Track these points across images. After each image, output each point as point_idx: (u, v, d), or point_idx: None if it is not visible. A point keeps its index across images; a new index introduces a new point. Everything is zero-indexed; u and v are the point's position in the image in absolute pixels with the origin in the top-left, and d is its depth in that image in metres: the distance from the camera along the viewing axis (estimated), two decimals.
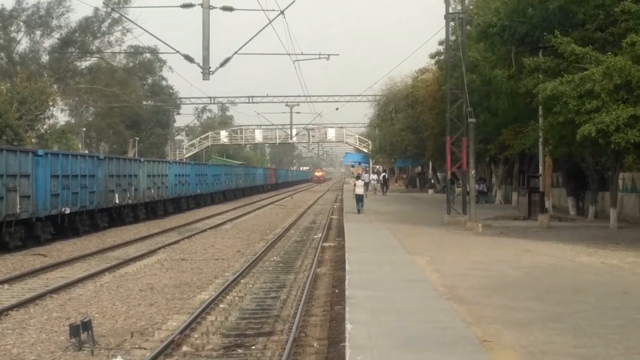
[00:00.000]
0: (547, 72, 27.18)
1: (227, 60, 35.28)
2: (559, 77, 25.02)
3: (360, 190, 43.89)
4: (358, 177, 57.61)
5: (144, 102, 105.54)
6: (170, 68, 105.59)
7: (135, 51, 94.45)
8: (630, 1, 24.10)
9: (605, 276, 18.15)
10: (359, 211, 42.30)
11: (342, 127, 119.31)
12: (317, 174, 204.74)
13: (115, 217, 39.86)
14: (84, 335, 13.34)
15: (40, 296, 18.13)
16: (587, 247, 24.34)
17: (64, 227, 32.78)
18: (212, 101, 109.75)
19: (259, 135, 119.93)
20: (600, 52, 24.52)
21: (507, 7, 29.50)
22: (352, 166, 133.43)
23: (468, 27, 36.97)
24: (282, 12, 36.31)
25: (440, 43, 52.25)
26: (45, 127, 68.74)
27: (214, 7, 34.15)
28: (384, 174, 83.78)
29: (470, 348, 10.78)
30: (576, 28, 26.57)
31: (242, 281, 20.48)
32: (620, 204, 35.27)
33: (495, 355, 10.37)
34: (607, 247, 24.31)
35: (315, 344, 13.30)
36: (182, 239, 32.23)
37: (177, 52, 35.63)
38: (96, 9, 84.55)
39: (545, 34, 26.52)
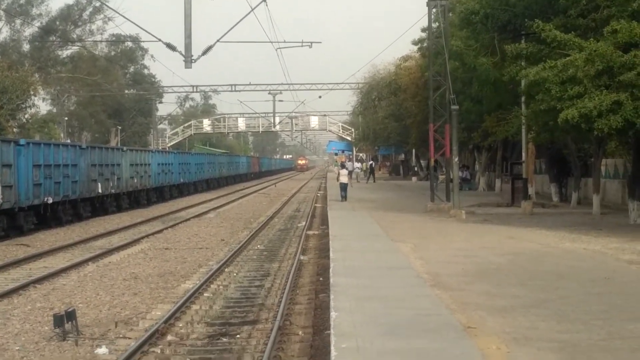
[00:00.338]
0: (530, 59, 27.20)
1: (209, 49, 35.19)
2: (542, 63, 25.06)
3: (344, 179, 43.67)
4: (342, 166, 57.72)
5: (126, 91, 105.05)
6: (152, 56, 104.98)
7: (117, 40, 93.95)
8: None
9: (588, 262, 18.23)
10: (342, 199, 42.36)
11: (325, 115, 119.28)
12: (300, 162, 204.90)
13: (98, 206, 39.72)
14: (68, 325, 13.31)
15: (24, 286, 18.07)
16: (570, 233, 24.44)
17: (46, 216, 32.64)
18: (195, 90, 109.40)
19: (242, 124, 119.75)
20: (582, 39, 24.55)
21: None
22: (336, 154, 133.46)
23: (450, 15, 36.94)
24: (264, 0, 36.24)
25: (423, 30, 52.28)
26: (26, 116, 68.31)
27: None
28: (371, 162, 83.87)
29: (454, 335, 10.82)
30: (558, 15, 26.58)
31: (226, 270, 20.47)
32: (602, 190, 35.43)
33: (480, 342, 10.40)
34: (590, 233, 24.41)
35: (300, 332, 13.32)
36: (166, 228, 32.18)
37: (159, 40, 35.50)
38: None
39: (527, 20, 26.52)
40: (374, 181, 71.47)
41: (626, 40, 23.12)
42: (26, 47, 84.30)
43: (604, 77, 23.46)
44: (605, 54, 22.95)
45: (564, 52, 24.54)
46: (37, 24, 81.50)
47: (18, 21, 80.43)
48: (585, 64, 23.25)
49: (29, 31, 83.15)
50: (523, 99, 31.51)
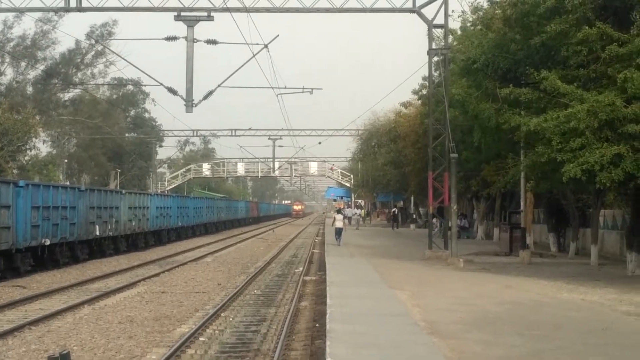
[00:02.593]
0: (529, 108, 27.28)
1: (210, 93, 35.38)
2: (541, 113, 25.14)
3: (339, 223, 45.62)
4: (339, 211, 57.94)
5: (127, 134, 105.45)
6: (153, 100, 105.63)
7: (119, 83, 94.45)
8: (616, 45, 24.17)
9: (585, 313, 18.17)
10: (338, 243, 43.68)
11: (324, 161, 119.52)
12: (295, 207, 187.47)
13: (96, 249, 39.62)
14: None
15: (19, 328, 17.97)
16: (567, 283, 24.37)
17: (43, 258, 32.53)
18: (195, 134, 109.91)
19: (241, 168, 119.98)
20: (582, 90, 24.64)
21: (490, 42, 29.66)
22: (335, 200, 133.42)
23: (451, 65, 37.15)
24: (266, 46, 36.50)
25: (424, 79, 52.60)
26: (26, 158, 68.52)
27: (198, 40, 34.32)
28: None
29: None
30: (558, 65, 26.71)
31: (222, 314, 20.38)
32: (601, 241, 35.40)
33: None
34: (587, 283, 24.35)
35: None
36: (163, 272, 32.08)
37: (161, 84, 35.71)
38: (79, 41, 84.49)
39: (528, 68, 26.65)
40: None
41: (635, 90, 23.13)
42: (29, 89, 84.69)
43: (605, 129, 23.52)
44: (609, 105, 23.02)
45: (564, 102, 24.61)
46: (41, 67, 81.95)
47: (23, 64, 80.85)
48: (588, 115, 23.31)
49: (33, 74, 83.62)
50: (522, 147, 31.55)
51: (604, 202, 33.36)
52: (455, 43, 41.35)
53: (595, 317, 17.49)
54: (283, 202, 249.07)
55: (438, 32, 37.89)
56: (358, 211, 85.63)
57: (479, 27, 34.74)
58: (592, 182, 23.91)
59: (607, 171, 22.82)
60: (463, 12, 39.88)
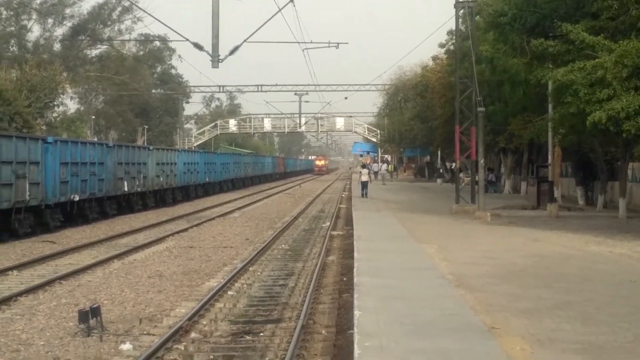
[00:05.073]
0: (557, 60, 27.04)
1: (236, 48, 35.22)
2: (570, 64, 24.91)
3: (365, 177, 49.08)
4: (364, 166, 58.75)
5: (153, 91, 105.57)
6: (179, 57, 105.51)
7: (145, 39, 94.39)
8: None
9: (613, 265, 18.12)
10: (363, 195, 46.66)
11: (350, 117, 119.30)
12: (318, 162, 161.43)
13: (124, 204, 39.93)
14: (92, 321, 13.38)
15: (49, 282, 18.20)
16: (595, 236, 24.27)
17: (73, 214, 32.84)
18: (221, 90, 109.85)
19: (267, 124, 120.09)
20: (610, 41, 24.38)
21: None
22: (361, 155, 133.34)
23: (477, 17, 36.82)
24: (291, 0, 36.26)
25: (449, 33, 52.20)
26: (54, 114, 68.79)
27: None
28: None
29: (478, 335, 10.78)
30: (585, 17, 26.40)
31: (250, 269, 20.49)
32: (629, 194, 35.17)
33: (503, 342, 10.36)
34: (615, 236, 24.24)
35: (324, 331, 13.31)
36: (191, 227, 32.28)
37: (187, 40, 35.58)
38: None
39: (555, 21, 26.37)
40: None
41: None
42: (57, 46, 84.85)
43: (633, 79, 23.28)
44: (638, 52, 22.77)
45: (592, 54, 24.38)
46: (68, 24, 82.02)
47: (50, 21, 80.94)
48: (615, 65, 23.07)
49: (60, 31, 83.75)
50: (550, 101, 31.33)
51: (633, 154, 33.10)
52: None
53: (624, 269, 17.44)
54: (310, 157, 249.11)
55: None
56: (385, 166, 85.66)
57: None
58: (618, 132, 23.70)
59: (634, 120, 22.61)
60: None
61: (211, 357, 11.95)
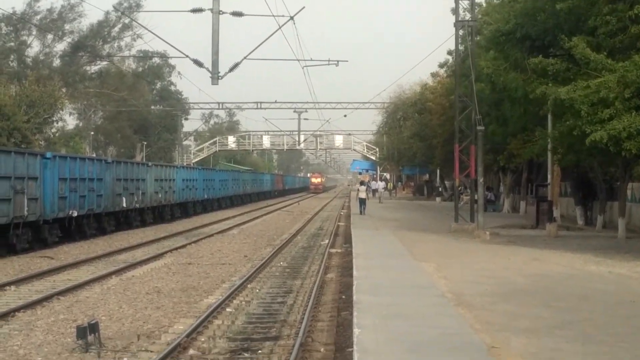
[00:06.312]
0: (557, 78, 27.04)
1: (236, 65, 35.29)
2: (569, 83, 24.91)
3: (362, 194, 50.49)
4: (362, 183, 59.09)
5: (152, 107, 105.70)
6: (179, 73, 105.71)
7: (145, 56, 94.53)
8: None
9: (613, 285, 18.09)
10: (361, 212, 47.66)
11: (350, 134, 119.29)
12: (313, 180, 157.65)
13: (123, 220, 39.89)
14: (90, 337, 13.32)
15: (47, 298, 18.14)
16: (595, 256, 24.23)
17: (71, 230, 32.80)
18: (220, 106, 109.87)
19: (266, 141, 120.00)
20: (610, 59, 24.41)
21: (517, 11, 29.42)
22: (360, 173, 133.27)
23: (478, 37, 36.92)
24: (291, 18, 36.36)
25: (449, 53, 52.36)
26: (53, 130, 68.87)
27: (223, 12, 34.19)
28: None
29: (478, 354, 10.74)
30: (586, 34, 26.44)
31: (249, 286, 20.45)
32: (628, 214, 35.15)
33: None
34: (615, 256, 24.21)
35: (322, 349, 13.27)
36: (189, 243, 32.23)
37: (187, 56, 35.68)
38: (107, 13, 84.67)
39: (557, 34, 26.43)
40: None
41: None
42: (56, 62, 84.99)
43: (635, 98, 23.30)
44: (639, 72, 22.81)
45: (593, 72, 24.39)
46: (68, 40, 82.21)
47: (49, 36, 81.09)
48: (618, 85, 23.09)
49: (60, 46, 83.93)
50: (550, 118, 31.34)
51: (632, 174, 33.09)
52: (480, 16, 41.11)
53: (623, 289, 17.41)
54: (308, 174, 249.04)
55: (465, 4, 37.69)
56: (383, 184, 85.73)
57: None
58: (618, 151, 23.68)
59: (635, 139, 22.61)
60: None
61: None
